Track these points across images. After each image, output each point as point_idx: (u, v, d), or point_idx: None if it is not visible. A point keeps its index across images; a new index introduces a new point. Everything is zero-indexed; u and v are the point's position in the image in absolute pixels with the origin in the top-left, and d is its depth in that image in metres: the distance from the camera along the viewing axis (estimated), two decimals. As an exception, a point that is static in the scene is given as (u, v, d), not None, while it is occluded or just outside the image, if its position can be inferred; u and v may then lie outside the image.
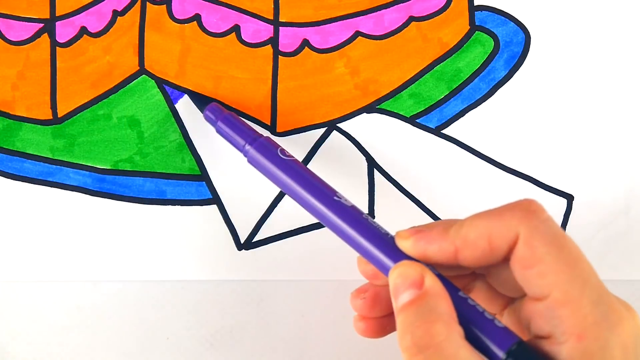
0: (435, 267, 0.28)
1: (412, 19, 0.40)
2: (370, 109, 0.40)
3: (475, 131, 0.39)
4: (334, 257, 0.39)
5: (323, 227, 0.39)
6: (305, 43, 0.40)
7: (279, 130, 0.40)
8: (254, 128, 0.36)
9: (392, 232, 0.29)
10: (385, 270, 0.29)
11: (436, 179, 0.39)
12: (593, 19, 0.40)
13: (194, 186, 0.39)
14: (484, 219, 0.27)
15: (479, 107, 0.40)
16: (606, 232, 0.39)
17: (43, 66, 0.40)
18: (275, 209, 0.39)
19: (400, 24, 0.40)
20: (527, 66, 0.40)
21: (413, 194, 0.39)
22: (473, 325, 0.27)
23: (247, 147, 0.35)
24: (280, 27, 0.40)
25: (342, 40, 0.40)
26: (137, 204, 0.39)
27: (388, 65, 0.40)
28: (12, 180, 0.40)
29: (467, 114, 0.40)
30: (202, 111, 0.38)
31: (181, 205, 0.39)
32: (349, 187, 0.39)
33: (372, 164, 0.40)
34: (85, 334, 0.39)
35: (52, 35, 0.40)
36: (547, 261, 0.26)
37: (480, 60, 0.40)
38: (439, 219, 0.39)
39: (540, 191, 0.39)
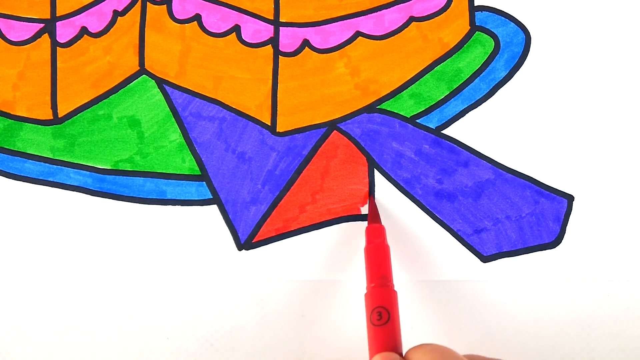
0: None
1: (412, 19, 0.40)
2: (370, 109, 0.40)
3: (475, 131, 0.39)
4: (334, 257, 0.39)
5: (323, 227, 0.39)
6: (306, 43, 0.40)
7: (279, 130, 0.40)
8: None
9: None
10: None
11: (436, 180, 0.39)
12: (593, 19, 0.40)
13: (194, 186, 0.39)
14: None
15: (479, 107, 0.40)
16: (606, 232, 0.39)
17: (43, 66, 0.40)
18: (275, 209, 0.39)
19: (401, 24, 0.40)
20: (528, 66, 0.40)
21: (413, 194, 0.39)
22: None
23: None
24: (280, 27, 0.40)
25: (343, 41, 0.40)
26: (137, 204, 0.39)
27: (388, 66, 0.40)
28: (13, 180, 0.40)
29: (467, 114, 0.40)
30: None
31: (181, 205, 0.39)
32: (349, 187, 0.39)
33: (372, 164, 0.39)
34: (85, 334, 0.39)
35: (52, 36, 0.40)
36: None
37: (481, 60, 0.40)
38: (439, 219, 0.39)
39: (541, 191, 0.39)
